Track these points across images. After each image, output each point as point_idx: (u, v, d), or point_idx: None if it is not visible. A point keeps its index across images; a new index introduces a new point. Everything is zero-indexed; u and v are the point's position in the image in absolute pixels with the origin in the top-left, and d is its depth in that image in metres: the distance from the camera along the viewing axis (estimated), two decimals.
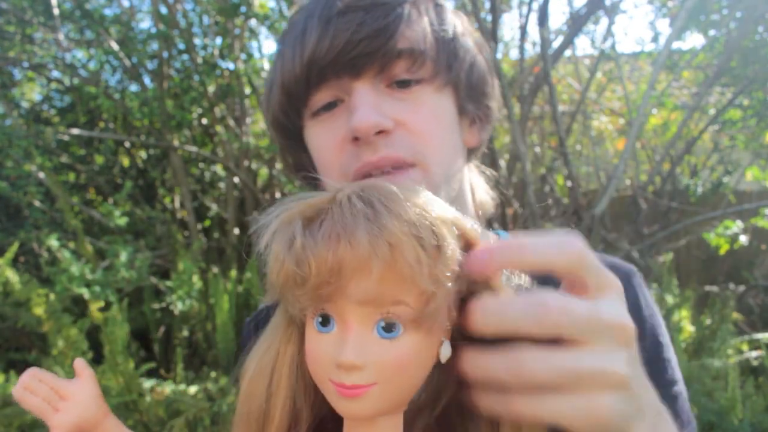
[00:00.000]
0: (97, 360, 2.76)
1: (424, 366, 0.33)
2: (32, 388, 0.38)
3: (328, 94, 0.65)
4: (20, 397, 0.39)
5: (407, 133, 0.63)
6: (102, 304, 2.72)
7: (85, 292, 2.65)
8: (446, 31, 0.67)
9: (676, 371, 0.71)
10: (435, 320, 0.32)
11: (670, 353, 0.71)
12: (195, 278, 3.22)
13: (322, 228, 0.31)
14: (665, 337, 0.73)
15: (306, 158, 0.73)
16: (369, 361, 0.30)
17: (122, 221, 3.10)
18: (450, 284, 0.32)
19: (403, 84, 0.64)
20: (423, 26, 0.65)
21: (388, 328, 0.31)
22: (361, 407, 0.31)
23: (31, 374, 0.37)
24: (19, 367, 3.53)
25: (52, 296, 2.64)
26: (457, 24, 0.70)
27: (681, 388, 0.70)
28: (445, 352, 0.34)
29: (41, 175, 3.58)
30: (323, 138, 0.67)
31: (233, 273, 3.62)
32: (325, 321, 0.32)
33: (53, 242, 2.90)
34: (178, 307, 3.02)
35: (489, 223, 0.82)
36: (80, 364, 0.41)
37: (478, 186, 0.80)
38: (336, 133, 0.65)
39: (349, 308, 0.31)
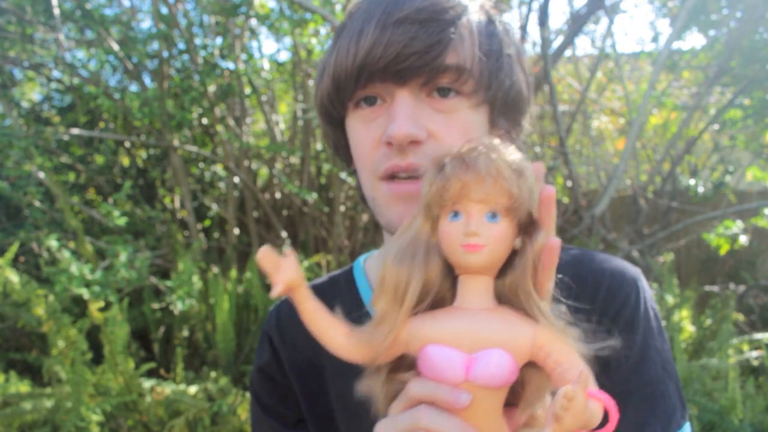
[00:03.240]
0: (97, 360, 2.76)
1: (509, 242, 0.53)
2: (265, 253, 0.54)
3: (372, 92, 0.70)
4: (261, 257, 0.54)
5: (437, 145, 0.68)
6: (102, 304, 2.72)
7: (84, 293, 2.65)
8: (492, 50, 0.71)
9: (662, 371, 0.72)
10: (517, 213, 0.52)
11: (658, 354, 0.73)
12: (195, 278, 3.22)
13: (462, 163, 0.52)
14: (656, 339, 0.74)
15: (345, 143, 0.79)
16: (482, 232, 0.51)
17: (121, 221, 3.09)
18: (526, 193, 0.52)
19: (444, 92, 0.69)
20: (472, 44, 0.69)
21: (493, 215, 0.52)
22: (477, 258, 0.51)
23: (265, 249, 0.54)
24: (19, 367, 3.53)
25: (51, 296, 2.64)
26: (505, 42, 0.73)
27: (665, 387, 0.72)
28: (517, 243, 0.54)
29: (41, 175, 3.58)
30: (362, 133, 0.73)
31: (233, 273, 3.62)
32: (456, 215, 0.52)
33: (53, 242, 2.90)
34: (178, 307, 3.02)
35: None
36: (286, 251, 0.57)
37: None
38: (374, 131, 0.71)
39: (471, 205, 0.51)
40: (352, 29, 0.69)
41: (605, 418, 0.48)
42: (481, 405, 0.52)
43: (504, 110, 0.73)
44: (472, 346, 0.52)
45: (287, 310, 0.89)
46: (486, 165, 0.51)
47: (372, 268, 0.87)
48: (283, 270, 0.53)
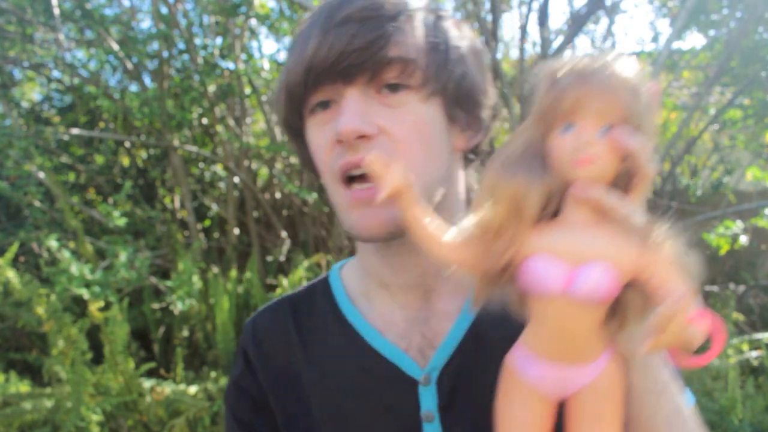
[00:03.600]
0: (97, 360, 2.76)
1: (619, 158, 0.53)
2: (377, 155, 0.54)
3: (324, 96, 0.71)
4: (372, 159, 0.54)
5: (388, 140, 0.69)
6: (102, 304, 2.72)
7: (84, 293, 2.65)
8: (439, 42, 0.71)
9: None
10: (629, 126, 0.52)
11: None
12: (195, 278, 3.22)
13: (580, 75, 0.52)
14: None
15: (309, 154, 0.79)
16: (593, 146, 0.51)
17: (121, 222, 3.09)
18: (640, 110, 0.52)
19: (393, 87, 0.69)
20: (416, 37, 0.69)
21: (605, 130, 0.51)
22: (591, 168, 0.51)
23: (376, 152, 0.55)
24: (19, 367, 3.53)
25: (52, 296, 2.64)
26: (453, 34, 0.73)
27: None
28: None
29: (41, 175, 3.58)
30: (318, 137, 0.73)
31: (233, 273, 3.62)
32: (568, 128, 0.52)
33: (53, 242, 2.90)
34: (178, 307, 3.02)
35: None
36: (396, 166, 0.56)
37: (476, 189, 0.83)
38: (327, 134, 0.71)
39: (584, 118, 0.51)
40: (300, 38, 0.71)
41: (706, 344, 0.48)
42: (579, 321, 0.52)
43: (458, 102, 0.73)
44: (575, 259, 0.51)
45: (264, 322, 0.87)
46: (602, 78, 0.51)
47: (348, 276, 0.85)
48: (391, 174, 0.53)
